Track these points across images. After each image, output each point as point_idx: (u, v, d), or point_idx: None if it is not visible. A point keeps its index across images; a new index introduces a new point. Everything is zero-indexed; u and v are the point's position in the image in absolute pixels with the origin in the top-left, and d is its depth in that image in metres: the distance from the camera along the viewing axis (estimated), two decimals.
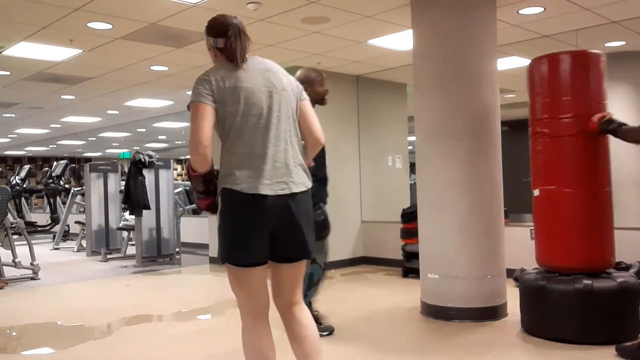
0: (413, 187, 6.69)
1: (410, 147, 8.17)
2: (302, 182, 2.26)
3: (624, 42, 6.32)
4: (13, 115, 10.97)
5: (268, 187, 2.17)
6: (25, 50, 6.01)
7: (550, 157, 3.81)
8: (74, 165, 13.36)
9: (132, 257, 8.24)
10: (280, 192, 2.19)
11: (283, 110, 2.26)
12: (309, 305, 3.94)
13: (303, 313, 2.34)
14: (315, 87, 3.80)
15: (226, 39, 2.28)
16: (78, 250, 9.63)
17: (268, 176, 2.18)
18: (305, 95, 2.40)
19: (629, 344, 3.36)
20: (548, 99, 3.84)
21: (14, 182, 12.03)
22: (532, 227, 5.40)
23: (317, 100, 3.81)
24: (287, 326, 2.35)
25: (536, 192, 3.90)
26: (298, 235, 2.24)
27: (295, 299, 2.34)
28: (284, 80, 2.31)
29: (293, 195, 2.21)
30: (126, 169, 9.85)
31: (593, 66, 3.81)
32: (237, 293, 2.28)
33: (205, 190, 2.28)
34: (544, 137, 3.85)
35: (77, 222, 10.33)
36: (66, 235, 10.86)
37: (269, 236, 2.20)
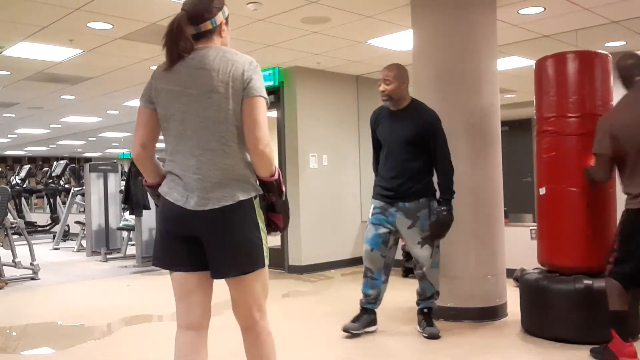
0: None
1: None
2: (229, 196, 2.00)
3: (624, 42, 6.32)
4: (13, 115, 10.97)
5: (185, 199, 2.01)
6: (25, 50, 6.01)
7: (556, 156, 3.80)
8: (74, 165, 13.37)
9: (132, 257, 8.24)
10: (198, 208, 1.99)
11: (208, 115, 1.99)
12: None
13: (256, 339, 2.14)
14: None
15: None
16: (78, 250, 9.63)
17: (188, 187, 2.02)
18: (253, 91, 2.00)
19: (598, 346, 3.37)
20: (555, 98, 3.83)
21: (14, 182, 12.04)
22: (532, 227, 5.42)
23: None
24: (243, 343, 2.20)
25: (542, 191, 3.88)
26: (219, 251, 2.03)
27: (248, 320, 2.14)
28: (217, 78, 1.98)
29: (211, 211, 1.99)
30: (126, 169, 9.85)
31: (600, 66, 3.80)
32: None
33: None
34: (550, 136, 3.83)
35: (77, 222, 10.33)
36: (66, 235, 10.86)
37: (192, 246, 2.04)
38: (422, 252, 3.85)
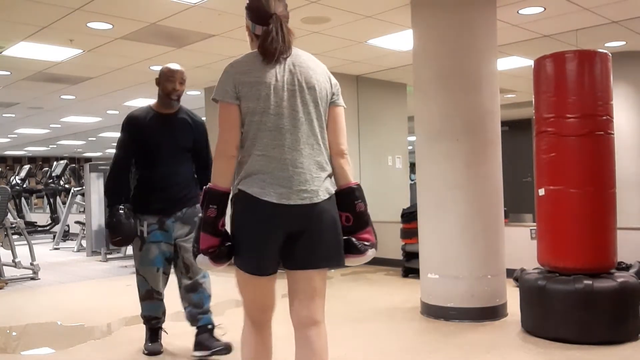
0: (413, 187, 6.69)
1: (410, 147, 8.18)
2: (324, 189, 2.03)
3: (624, 42, 6.32)
4: (13, 115, 10.97)
5: (284, 196, 1.97)
6: (25, 50, 6.01)
7: (556, 156, 3.80)
8: (74, 165, 13.37)
9: (132, 257, 8.21)
10: (300, 202, 1.98)
11: (308, 111, 2.04)
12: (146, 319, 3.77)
13: (319, 339, 2.05)
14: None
15: (266, 29, 2.07)
16: (78, 250, 9.63)
17: (285, 183, 1.98)
18: (341, 101, 2.17)
19: None
20: (554, 98, 3.83)
21: (14, 182, 12.03)
22: (532, 227, 5.43)
23: (163, 96, 3.59)
24: (296, 345, 2.11)
25: (541, 192, 3.88)
26: (316, 243, 2.02)
27: (313, 317, 2.07)
28: (314, 77, 2.08)
29: (313, 204, 2.00)
30: None
31: (600, 66, 3.80)
32: (243, 296, 2.16)
33: (215, 220, 1.99)
34: (549, 137, 3.83)
35: (77, 222, 10.33)
36: (66, 235, 10.86)
37: (283, 244, 2.02)
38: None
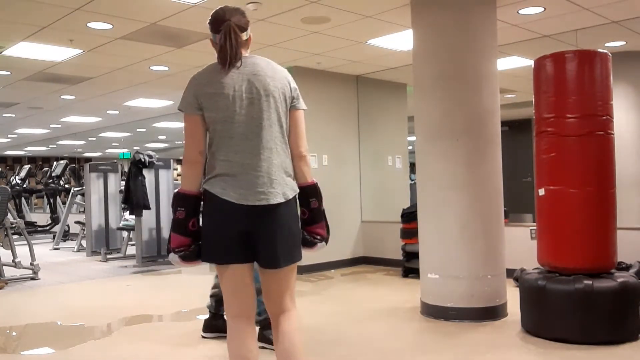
0: (413, 187, 6.68)
1: (410, 147, 8.18)
2: (281, 193, 2.18)
3: (624, 42, 6.32)
4: (13, 115, 10.97)
5: (242, 196, 2.13)
6: (25, 50, 6.00)
7: (556, 157, 3.80)
8: (74, 165, 13.37)
9: (132, 257, 8.23)
10: (257, 203, 2.14)
11: (266, 117, 2.18)
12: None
13: (288, 322, 2.27)
14: None
15: (219, 37, 2.22)
16: (78, 250, 9.63)
17: (245, 185, 2.14)
18: (301, 104, 2.31)
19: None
20: (554, 98, 3.83)
21: (14, 182, 12.04)
22: (532, 227, 5.43)
23: None
24: (273, 332, 2.32)
25: (541, 192, 3.88)
26: (271, 244, 2.18)
27: (281, 307, 2.27)
28: (272, 84, 2.20)
29: (269, 206, 2.15)
30: (126, 169, 9.86)
31: (600, 66, 3.80)
32: (223, 291, 2.29)
33: (184, 222, 2.17)
34: (549, 137, 3.83)
35: (77, 222, 10.34)
36: (66, 235, 10.86)
37: (247, 242, 2.17)
38: None
